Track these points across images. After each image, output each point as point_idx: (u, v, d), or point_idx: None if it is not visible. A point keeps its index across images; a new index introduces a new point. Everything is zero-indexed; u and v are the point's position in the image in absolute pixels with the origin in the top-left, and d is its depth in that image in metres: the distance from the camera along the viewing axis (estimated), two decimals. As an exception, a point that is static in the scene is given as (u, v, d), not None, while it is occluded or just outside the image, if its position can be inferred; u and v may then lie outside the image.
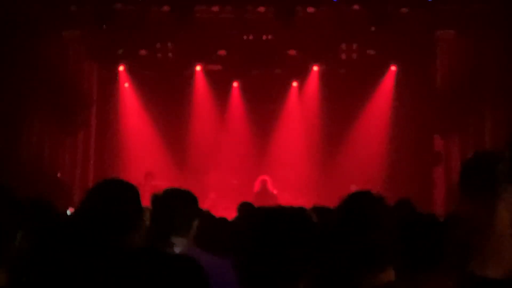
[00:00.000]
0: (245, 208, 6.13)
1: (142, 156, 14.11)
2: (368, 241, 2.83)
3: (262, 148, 14.55)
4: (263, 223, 2.38)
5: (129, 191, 2.89)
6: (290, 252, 2.28)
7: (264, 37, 13.54)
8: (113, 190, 2.87)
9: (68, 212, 6.32)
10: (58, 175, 12.80)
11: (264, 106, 14.45)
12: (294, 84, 14.74)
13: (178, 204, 3.56)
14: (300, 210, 2.50)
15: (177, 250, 3.34)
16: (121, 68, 14.37)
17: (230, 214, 6.86)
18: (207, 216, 4.42)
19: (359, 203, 3.02)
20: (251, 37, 13.49)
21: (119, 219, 2.72)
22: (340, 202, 3.07)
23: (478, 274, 1.65)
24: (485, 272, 1.65)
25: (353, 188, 13.15)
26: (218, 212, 6.95)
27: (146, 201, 3.27)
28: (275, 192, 13.28)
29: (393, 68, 14.12)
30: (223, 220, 4.91)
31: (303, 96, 14.70)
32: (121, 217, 2.75)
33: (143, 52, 13.82)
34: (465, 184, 2.08)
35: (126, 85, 14.58)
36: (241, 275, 2.58)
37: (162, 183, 11.07)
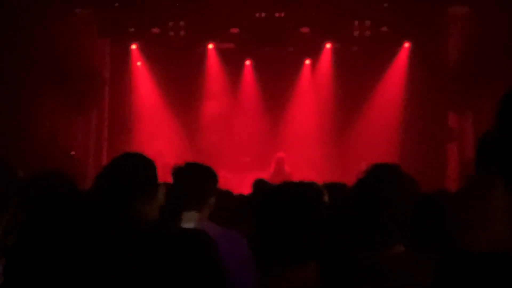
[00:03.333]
0: (259, 185, 6.13)
1: (155, 134, 14.14)
2: (386, 216, 2.79)
3: (275, 126, 14.53)
4: (277, 200, 2.39)
5: (147, 164, 2.92)
6: (303, 227, 2.30)
7: (276, 15, 13.45)
8: (131, 162, 2.90)
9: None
10: (72, 153, 12.85)
11: (277, 84, 14.39)
12: (307, 62, 14.66)
13: (198, 178, 3.53)
14: (312, 187, 2.51)
15: (190, 224, 3.34)
16: (133, 46, 14.35)
17: (243, 192, 6.86)
18: (222, 192, 4.42)
19: (381, 176, 2.96)
20: (263, 15, 13.40)
21: (135, 190, 2.74)
22: (360, 175, 3.01)
23: (467, 249, 1.64)
24: (474, 247, 1.64)
25: (364, 165, 13.10)
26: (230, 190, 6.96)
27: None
28: (288, 169, 13.28)
29: (406, 45, 14.00)
30: (238, 196, 4.92)
31: (316, 74, 14.63)
32: (138, 188, 2.77)
33: (155, 30, 13.78)
34: (480, 159, 2.07)
35: (139, 63, 14.57)
36: (255, 250, 2.59)
37: (173, 162, 11.10)
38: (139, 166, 2.91)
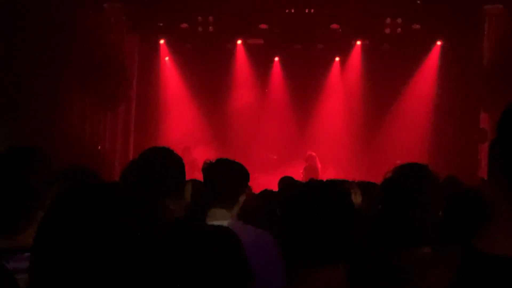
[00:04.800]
0: (285, 183, 6.02)
1: (182, 130, 14.11)
2: (414, 218, 2.73)
3: (303, 124, 14.41)
4: (304, 199, 2.33)
5: (175, 160, 2.86)
6: (330, 227, 2.24)
7: (306, 11, 13.33)
8: (160, 157, 2.85)
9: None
10: (99, 148, 12.88)
11: (306, 81, 14.27)
12: (337, 59, 14.52)
13: (230, 175, 3.43)
14: (340, 187, 2.42)
15: (218, 222, 3.24)
16: (161, 41, 14.33)
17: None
18: (248, 190, 4.32)
19: (409, 176, 2.89)
20: (293, 11, 13.29)
21: (164, 186, 2.68)
22: (387, 175, 2.93)
23: (484, 250, 1.64)
24: (491, 249, 1.64)
25: (398, 164, 12.95)
26: (257, 188, 6.88)
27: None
28: (319, 166, 13.19)
29: (438, 43, 13.78)
30: (265, 193, 4.82)
31: (345, 72, 14.48)
32: (167, 184, 2.71)
33: (184, 25, 13.76)
34: (493, 160, 2.02)
35: (167, 58, 14.56)
36: (284, 249, 2.53)
37: (200, 158, 11.07)
38: (168, 162, 2.85)
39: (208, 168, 3.47)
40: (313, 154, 13.38)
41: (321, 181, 2.67)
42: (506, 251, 1.63)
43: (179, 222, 2.48)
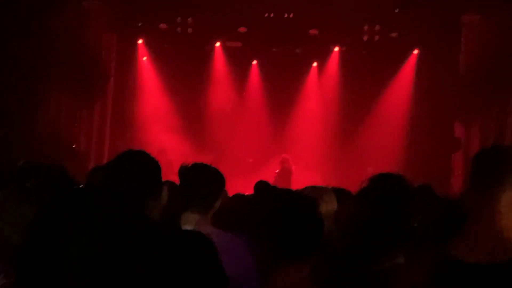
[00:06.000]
0: (261, 188, 6.02)
1: (158, 131, 14.04)
2: (388, 227, 2.76)
3: (280, 128, 14.44)
4: (277, 208, 2.45)
5: (152, 163, 2.84)
6: (300, 234, 2.37)
7: (285, 15, 13.36)
8: (135, 159, 2.83)
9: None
10: (73, 146, 12.76)
11: (283, 85, 14.30)
12: (314, 64, 14.57)
13: (205, 180, 3.42)
14: (311, 203, 2.54)
15: (190, 226, 3.24)
16: (140, 41, 14.26)
17: (245, 192, 6.77)
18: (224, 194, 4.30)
19: (384, 186, 2.93)
20: (272, 15, 13.31)
21: (141, 190, 2.67)
22: (364, 184, 2.98)
23: (457, 257, 1.69)
24: (464, 256, 1.68)
25: (370, 170, 13.07)
26: (233, 191, 6.86)
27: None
28: (293, 169, 13.23)
29: (415, 51, 13.90)
30: (238, 198, 4.81)
31: (323, 77, 14.54)
32: (144, 188, 2.70)
33: (163, 25, 13.70)
34: (476, 172, 2.09)
35: (145, 58, 14.48)
36: (256, 254, 2.61)
37: (175, 159, 11.04)
38: (144, 164, 2.83)
39: (184, 172, 3.46)
40: (287, 156, 13.43)
41: (290, 191, 2.81)
42: (483, 259, 1.67)
43: (153, 227, 2.46)
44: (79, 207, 1.34)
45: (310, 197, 2.66)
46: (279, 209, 2.43)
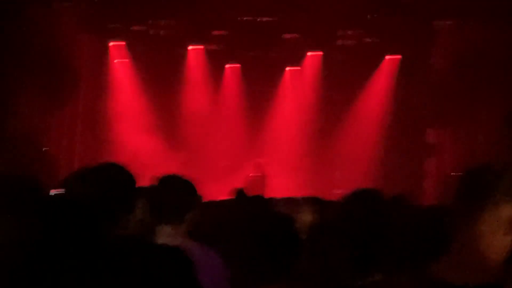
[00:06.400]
0: (238, 198, 5.97)
1: (131, 133, 13.90)
2: (366, 244, 2.77)
3: (255, 132, 14.40)
4: (251, 226, 2.55)
5: (125, 177, 2.76)
6: (275, 251, 2.45)
7: (260, 19, 13.34)
8: (108, 173, 2.75)
9: (52, 193, 6.09)
10: (45, 149, 12.58)
11: (259, 89, 14.27)
12: (289, 68, 14.57)
13: (175, 193, 3.39)
14: (287, 220, 2.65)
15: (167, 240, 3.19)
16: (111, 43, 14.10)
17: (219, 197, 6.71)
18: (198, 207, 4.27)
19: (361, 203, 2.95)
20: (247, 19, 13.27)
21: (111, 205, 2.59)
22: (343, 201, 3.02)
23: (438, 277, 1.67)
24: (445, 277, 1.67)
25: (338, 175, 13.23)
26: (208, 196, 6.78)
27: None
28: (265, 174, 13.23)
29: (390, 57, 13.98)
30: (214, 208, 4.78)
31: (298, 81, 14.54)
32: (118, 202, 2.64)
33: (135, 28, 13.57)
34: (461, 190, 2.10)
35: (116, 61, 14.32)
36: (231, 268, 2.66)
37: (149, 162, 10.95)
38: (119, 176, 2.75)
39: (154, 185, 3.44)
40: (261, 161, 13.42)
41: (266, 207, 3.03)
42: (471, 281, 1.66)
43: (128, 241, 2.40)
44: (50, 220, 1.32)
45: (285, 215, 2.74)
46: (254, 234, 2.47)
